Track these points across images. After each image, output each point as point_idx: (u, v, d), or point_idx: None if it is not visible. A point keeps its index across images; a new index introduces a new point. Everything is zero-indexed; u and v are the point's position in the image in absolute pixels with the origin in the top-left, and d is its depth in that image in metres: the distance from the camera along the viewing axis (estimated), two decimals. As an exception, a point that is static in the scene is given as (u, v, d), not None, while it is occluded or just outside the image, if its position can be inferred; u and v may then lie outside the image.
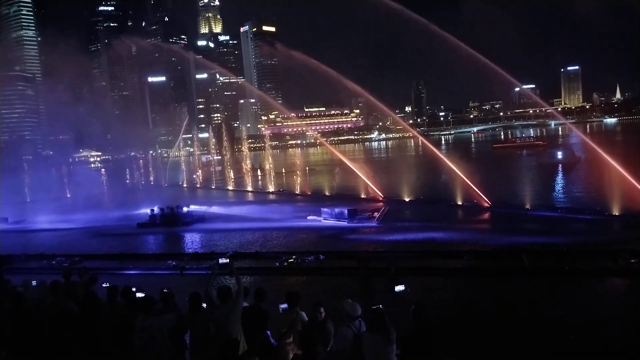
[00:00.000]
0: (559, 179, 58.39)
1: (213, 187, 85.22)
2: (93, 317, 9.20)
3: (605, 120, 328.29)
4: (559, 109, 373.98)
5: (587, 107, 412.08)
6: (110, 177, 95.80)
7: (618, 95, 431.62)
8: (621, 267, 21.57)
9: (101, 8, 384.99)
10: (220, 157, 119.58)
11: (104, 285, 11.69)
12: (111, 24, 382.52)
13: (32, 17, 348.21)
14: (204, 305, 9.23)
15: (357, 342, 7.69)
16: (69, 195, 74.87)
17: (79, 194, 69.44)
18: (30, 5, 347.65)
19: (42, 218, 51.04)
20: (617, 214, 32.16)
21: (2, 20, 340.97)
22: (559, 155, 74.67)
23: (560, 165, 68.58)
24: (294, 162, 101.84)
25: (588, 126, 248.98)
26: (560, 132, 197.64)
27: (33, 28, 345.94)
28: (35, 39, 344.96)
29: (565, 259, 23.24)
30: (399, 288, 8.54)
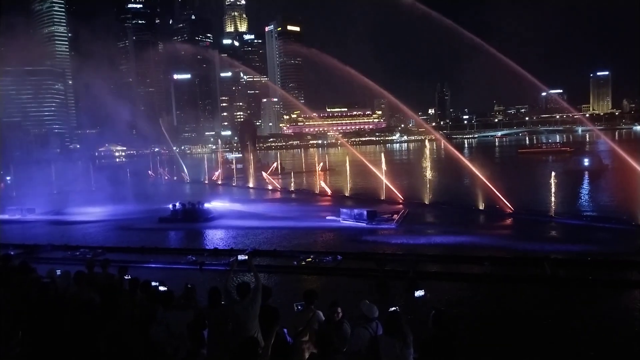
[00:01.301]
0: (585, 187, 57.07)
1: (234, 184, 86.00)
2: (114, 307, 9.39)
3: (635, 127, 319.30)
4: (587, 115, 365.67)
5: (617, 113, 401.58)
6: (131, 172, 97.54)
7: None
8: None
9: (130, 5, 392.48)
10: (240, 155, 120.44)
11: (125, 277, 11.95)
12: (139, 22, 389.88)
13: (63, 14, 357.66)
14: (223, 301, 9.33)
15: (373, 344, 7.68)
16: (94, 189, 76.47)
17: (104, 187, 70.89)
18: (62, 1, 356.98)
19: (67, 210, 52.32)
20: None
21: (35, 16, 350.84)
22: (586, 162, 72.94)
23: (586, 172, 67.01)
24: (314, 161, 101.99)
25: (617, 133, 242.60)
26: (587, 139, 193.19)
27: (64, 24, 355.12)
28: (65, 34, 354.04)
29: (589, 268, 22.74)
30: (419, 293, 8.48)
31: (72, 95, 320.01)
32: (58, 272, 13.25)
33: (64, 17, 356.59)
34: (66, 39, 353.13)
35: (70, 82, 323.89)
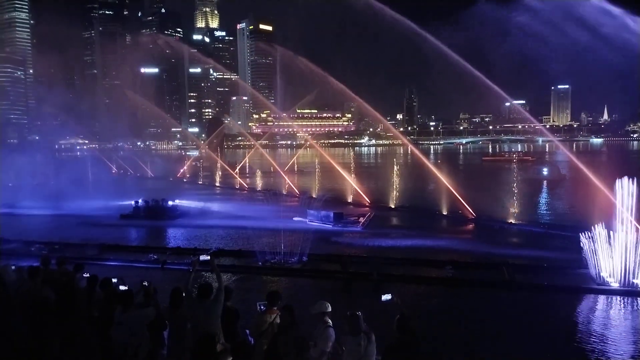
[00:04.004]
0: (544, 195, 59.16)
1: (200, 182, 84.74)
2: (70, 305, 9.09)
3: (591, 140, 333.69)
4: (547, 126, 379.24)
5: (575, 126, 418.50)
6: (94, 166, 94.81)
7: (605, 116, 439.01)
8: (598, 285, 21.93)
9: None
10: (205, 153, 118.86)
11: (84, 275, 11.58)
12: (107, 12, 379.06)
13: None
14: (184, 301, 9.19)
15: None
16: (52, 182, 73.69)
17: (64, 181, 68.50)
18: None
19: (23, 203, 50.21)
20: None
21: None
22: (545, 171, 75.73)
23: (545, 181, 69.52)
24: (283, 162, 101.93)
25: (575, 145, 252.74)
26: (547, 149, 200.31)
27: (26, 10, 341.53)
28: (27, 21, 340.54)
29: (545, 274, 23.57)
30: (386, 297, 8.65)
31: (33, 84, 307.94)
32: (13, 267, 12.74)
33: (26, 3, 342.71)
34: (28, 25, 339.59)
35: (31, 70, 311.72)
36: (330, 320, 8.40)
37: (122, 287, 10.32)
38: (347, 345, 7.77)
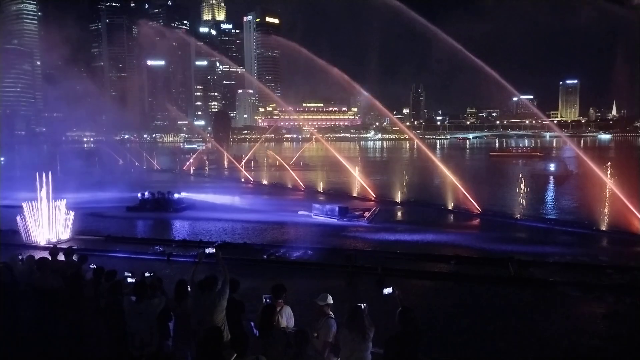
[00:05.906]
0: (550, 191, 58.85)
1: (206, 175, 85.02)
2: (78, 296, 9.21)
3: (599, 135, 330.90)
4: (555, 122, 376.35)
5: (583, 121, 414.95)
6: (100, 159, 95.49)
7: (614, 112, 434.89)
8: (603, 282, 21.85)
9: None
10: (210, 146, 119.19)
11: (90, 266, 11.70)
12: (113, 4, 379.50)
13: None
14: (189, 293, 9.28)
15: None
16: (59, 174, 74.17)
17: (70, 173, 68.93)
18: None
19: (30, 195, 50.47)
20: (604, 229, 32.50)
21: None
22: (552, 167, 75.24)
23: (552, 177, 69.09)
24: (289, 156, 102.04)
25: (582, 140, 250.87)
26: (554, 145, 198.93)
27: (34, 2, 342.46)
28: (35, 13, 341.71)
29: (550, 270, 23.51)
30: (387, 290, 8.73)
31: (40, 76, 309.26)
32: (20, 256, 12.94)
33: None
34: (35, 17, 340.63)
35: (38, 62, 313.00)
36: (331, 312, 8.52)
37: (129, 280, 10.43)
38: (341, 336, 7.91)
